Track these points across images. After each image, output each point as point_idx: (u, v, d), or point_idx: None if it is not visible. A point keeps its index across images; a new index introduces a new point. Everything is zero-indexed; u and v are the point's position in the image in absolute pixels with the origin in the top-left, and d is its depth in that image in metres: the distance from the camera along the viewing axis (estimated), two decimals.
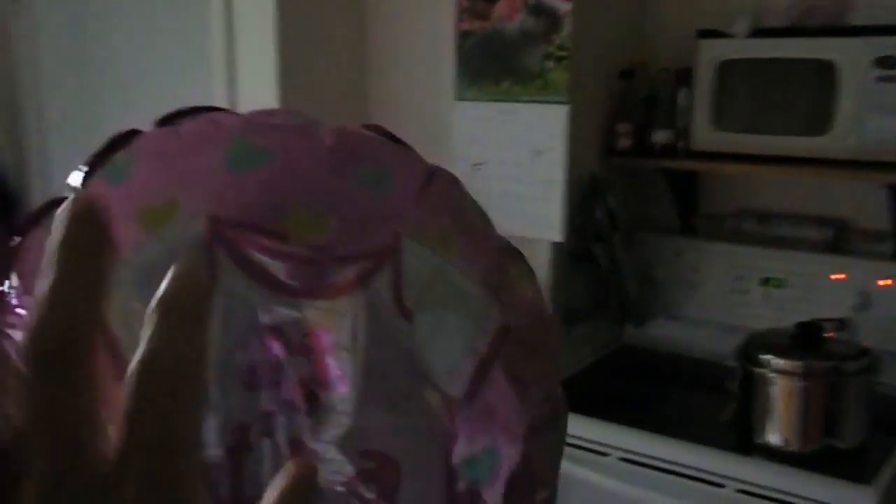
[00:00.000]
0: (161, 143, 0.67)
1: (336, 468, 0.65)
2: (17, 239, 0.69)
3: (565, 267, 2.26)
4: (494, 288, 0.67)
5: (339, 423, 0.65)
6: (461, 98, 2.28)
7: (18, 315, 0.69)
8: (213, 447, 0.61)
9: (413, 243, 0.64)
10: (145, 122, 0.79)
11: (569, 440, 1.67)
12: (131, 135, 0.65)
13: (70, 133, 2.75)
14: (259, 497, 0.55)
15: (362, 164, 0.67)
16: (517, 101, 2.19)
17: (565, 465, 2.03)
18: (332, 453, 0.64)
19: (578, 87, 2.16)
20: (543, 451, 0.67)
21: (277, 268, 0.63)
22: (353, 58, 2.45)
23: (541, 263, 2.21)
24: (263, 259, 0.63)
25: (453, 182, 0.74)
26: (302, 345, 0.64)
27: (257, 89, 2.23)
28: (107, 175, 0.67)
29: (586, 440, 1.95)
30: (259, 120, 0.70)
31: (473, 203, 0.74)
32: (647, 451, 1.89)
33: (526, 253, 1.64)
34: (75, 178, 0.71)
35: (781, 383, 1.86)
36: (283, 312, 0.64)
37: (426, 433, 0.64)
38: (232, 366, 0.63)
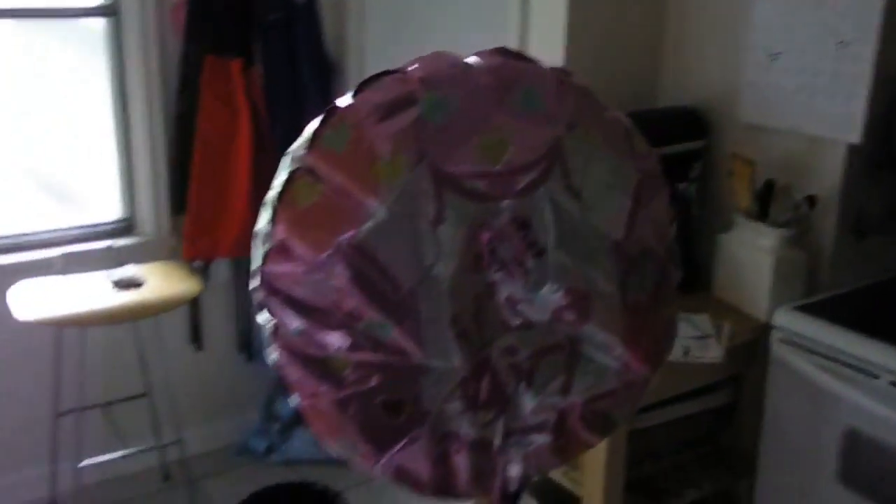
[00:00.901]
0: (367, 109, 0.95)
1: (542, 305, 0.95)
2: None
3: (861, 172, 2.05)
4: (628, 154, 1.01)
5: (542, 277, 0.95)
6: None
7: (292, 264, 0.99)
8: (463, 309, 0.94)
9: (569, 141, 0.96)
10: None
11: (837, 356, 1.66)
12: (335, 109, 0.97)
13: (381, 31, 2.98)
14: (490, 330, 0.97)
15: (515, 91, 0.97)
16: None
17: (829, 380, 1.91)
18: (538, 298, 0.95)
19: None
20: (676, 259, 1.07)
21: (480, 185, 0.93)
22: None
23: (832, 167, 2.04)
24: (470, 182, 0.92)
25: (576, 81, 1.03)
26: (508, 231, 0.93)
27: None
28: (331, 143, 0.95)
29: (856, 357, 1.81)
30: (432, 75, 0.98)
31: (592, 92, 1.04)
32: None
33: (815, 154, 1.77)
34: (300, 147, 0.98)
35: None
36: (492, 214, 0.94)
37: (604, 270, 0.96)
38: (467, 259, 0.93)
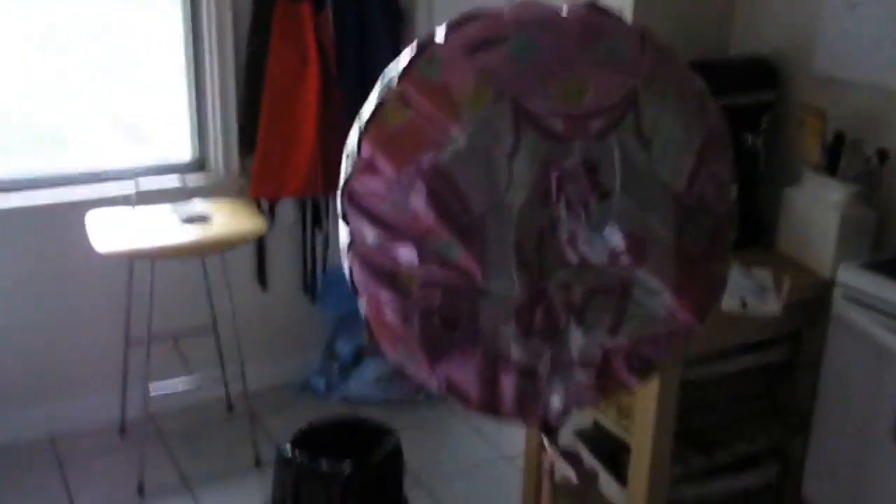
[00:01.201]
0: (459, 44, 1.01)
1: (601, 247, 0.99)
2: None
3: None
4: (698, 113, 1.05)
5: (604, 219, 0.99)
6: None
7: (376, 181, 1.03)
8: (527, 239, 0.99)
9: (644, 93, 1.00)
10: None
11: (893, 310, 1.62)
12: (429, 42, 1.03)
13: None
14: (549, 264, 1.03)
15: (599, 41, 1.02)
16: None
17: (891, 339, 1.91)
18: (598, 239, 0.99)
19: None
20: (734, 218, 1.11)
21: (557, 124, 0.97)
22: None
23: None
24: (548, 121, 0.96)
25: (657, 41, 1.07)
26: (577, 172, 0.97)
27: None
28: (423, 72, 1.01)
29: None
30: (523, 18, 1.02)
31: (672, 51, 1.08)
32: None
33: (889, 107, 1.80)
34: (396, 70, 1.04)
35: None
36: (564, 153, 0.97)
37: (662, 219, 1.01)
38: (536, 192, 0.97)
